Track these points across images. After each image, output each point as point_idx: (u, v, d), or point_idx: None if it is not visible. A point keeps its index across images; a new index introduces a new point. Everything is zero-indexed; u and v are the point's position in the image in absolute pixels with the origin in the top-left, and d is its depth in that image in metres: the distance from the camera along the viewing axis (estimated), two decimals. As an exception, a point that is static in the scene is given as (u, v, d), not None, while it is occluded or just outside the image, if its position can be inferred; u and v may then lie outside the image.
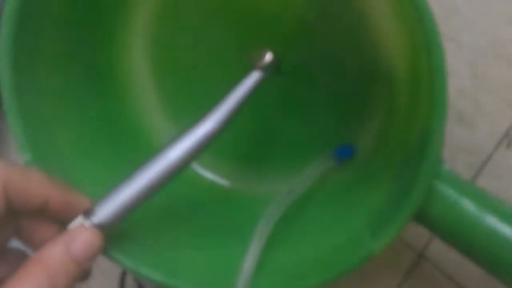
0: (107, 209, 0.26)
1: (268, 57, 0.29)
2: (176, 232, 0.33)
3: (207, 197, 0.37)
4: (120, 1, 0.35)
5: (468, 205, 0.26)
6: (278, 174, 0.36)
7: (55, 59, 0.33)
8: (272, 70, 0.30)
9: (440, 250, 0.35)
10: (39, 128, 0.31)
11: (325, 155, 0.33)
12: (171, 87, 0.38)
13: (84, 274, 0.26)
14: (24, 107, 0.30)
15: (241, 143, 0.37)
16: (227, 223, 0.35)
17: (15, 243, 0.27)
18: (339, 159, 0.33)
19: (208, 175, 0.38)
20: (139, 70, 0.37)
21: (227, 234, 0.34)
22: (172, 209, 0.34)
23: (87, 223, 0.26)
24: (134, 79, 0.37)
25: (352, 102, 0.34)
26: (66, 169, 0.32)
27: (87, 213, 0.26)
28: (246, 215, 0.34)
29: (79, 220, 0.26)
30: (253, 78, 0.29)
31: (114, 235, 0.28)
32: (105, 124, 0.36)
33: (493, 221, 0.25)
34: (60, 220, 0.26)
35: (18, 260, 0.26)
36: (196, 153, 0.28)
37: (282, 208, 0.31)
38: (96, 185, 0.32)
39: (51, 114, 0.32)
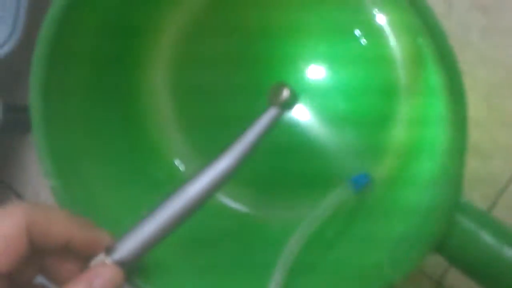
0: (128, 246, 0.27)
1: (286, 93, 0.29)
2: (197, 260, 0.34)
3: (227, 225, 0.38)
4: (144, 35, 0.36)
5: (488, 237, 0.26)
6: (297, 202, 0.37)
7: (81, 90, 0.34)
8: (290, 106, 0.30)
9: (458, 279, 0.36)
10: (65, 154, 0.32)
11: (342, 185, 0.33)
12: (192, 116, 0.39)
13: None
14: (52, 135, 0.32)
15: (261, 172, 0.37)
16: (247, 251, 0.35)
17: (40, 279, 0.28)
18: (355, 188, 0.33)
19: (228, 202, 0.38)
20: (161, 101, 0.38)
21: (247, 262, 0.34)
22: (193, 237, 0.34)
23: (108, 260, 0.26)
24: (156, 106, 0.38)
25: (369, 135, 0.35)
26: (89, 196, 0.33)
27: (109, 250, 0.27)
28: (267, 243, 0.35)
29: (101, 257, 0.27)
30: (270, 114, 0.29)
31: (137, 265, 0.28)
32: (127, 153, 0.37)
33: (511, 253, 0.26)
34: (83, 256, 0.27)
35: (43, 296, 0.27)
36: (215, 189, 0.28)
37: (303, 239, 0.31)
38: (118, 211, 0.33)
39: (77, 142, 0.34)
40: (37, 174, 0.37)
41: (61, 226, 0.26)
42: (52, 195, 0.32)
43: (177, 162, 0.39)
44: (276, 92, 0.29)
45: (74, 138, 0.33)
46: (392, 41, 0.33)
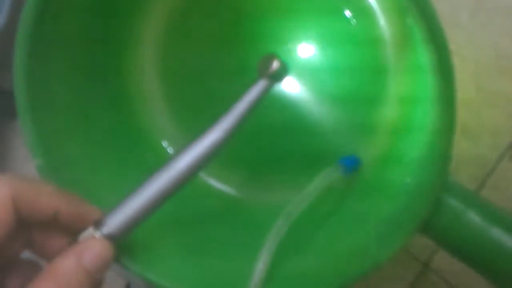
0: (117, 220, 0.27)
1: (276, 64, 0.29)
2: (183, 240, 0.33)
3: (214, 206, 0.38)
4: (131, 15, 0.36)
5: (475, 217, 0.27)
6: (284, 184, 0.37)
7: (67, 71, 0.33)
8: (280, 78, 0.30)
9: (445, 261, 0.36)
10: (51, 136, 0.32)
11: (332, 166, 0.34)
12: (180, 97, 0.38)
13: (95, 284, 0.26)
14: (37, 116, 0.31)
15: (248, 153, 0.37)
16: (234, 233, 0.35)
17: (27, 254, 0.27)
18: (345, 170, 0.34)
19: (215, 184, 0.38)
20: (149, 81, 0.38)
21: (234, 243, 0.34)
22: (179, 217, 0.34)
23: (97, 234, 0.26)
24: (143, 87, 0.38)
25: (359, 114, 0.35)
26: (76, 176, 0.33)
27: (98, 224, 0.27)
28: (254, 224, 0.35)
29: (89, 231, 0.26)
30: (260, 86, 0.29)
31: (124, 243, 0.28)
32: (114, 133, 0.36)
33: (499, 233, 0.26)
34: (71, 231, 0.27)
35: (31, 271, 0.27)
36: (204, 162, 0.28)
37: (291, 219, 0.31)
38: (105, 192, 0.33)
39: (63, 122, 0.33)
40: (23, 160, 0.37)
41: (48, 198, 0.26)
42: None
43: (164, 143, 0.39)
44: (265, 63, 0.29)
45: (61, 119, 0.33)
46: (382, 21, 0.33)
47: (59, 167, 0.32)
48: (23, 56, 0.30)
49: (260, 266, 0.30)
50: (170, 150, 0.39)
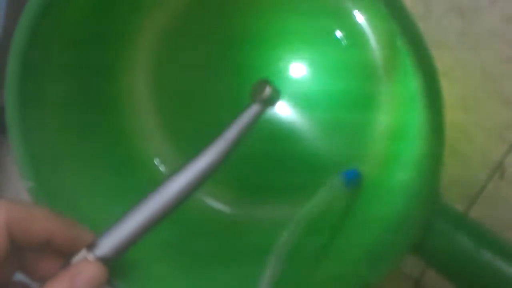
0: (110, 242, 0.27)
1: (268, 90, 0.30)
2: (177, 259, 0.34)
3: (208, 224, 0.38)
4: (125, 31, 0.37)
5: (465, 240, 0.27)
6: (279, 202, 0.37)
7: (60, 92, 0.34)
8: (272, 103, 0.31)
9: (436, 279, 0.36)
10: (43, 157, 0.33)
11: (332, 181, 0.33)
12: (174, 118, 0.39)
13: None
14: (28, 136, 0.32)
15: (241, 171, 0.37)
16: (229, 250, 0.35)
17: (19, 276, 0.28)
18: (346, 184, 0.33)
19: (209, 202, 0.39)
20: (142, 98, 0.39)
21: (229, 261, 0.34)
22: (173, 236, 0.34)
23: (90, 256, 0.27)
24: (136, 106, 0.39)
25: (354, 130, 0.35)
26: (68, 197, 0.33)
27: (91, 246, 0.27)
28: (248, 242, 0.36)
29: (82, 254, 0.27)
30: (252, 111, 0.29)
31: (117, 263, 0.28)
32: (107, 153, 0.37)
33: (489, 256, 0.26)
34: (64, 254, 0.27)
35: (23, 293, 0.27)
36: (197, 185, 0.29)
37: (294, 236, 0.31)
38: (97, 212, 0.33)
39: (54, 144, 0.34)
40: (16, 175, 0.37)
41: (42, 223, 0.26)
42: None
43: (157, 161, 0.39)
44: (258, 88, 0.30)
45: (52, 140, 0.34)
46: (373, 43, 0.34)
47: (50, 189, 0.32)
48: (16, 74, 0.31)
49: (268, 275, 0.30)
50: (162, 168, 0.39)
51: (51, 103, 0.34)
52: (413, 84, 0.26)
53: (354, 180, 0.33)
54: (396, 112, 0.33)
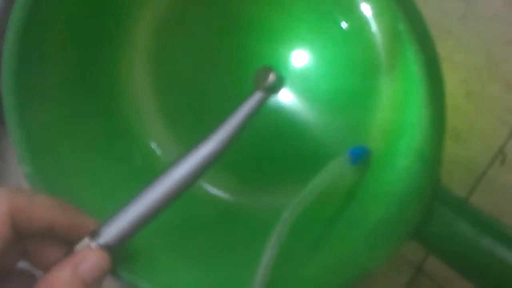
0: (113, 230, 0.28)
1: (271, 77, 0.30)
2: (179, 247, 0.35)
3: (210, 212, 0.39)
4: (121, 18, 0.37)
5: (465, 226, 0.28)
6: (280, 188, 0.38)
7: (58, 77, 0.35)
8: (276, 90, 0.31)
9: (438, 265, 0.37)
10: (41, 142, 0.33)
11: (339, 158, 0.33)
12: (173, 103, 0.40)
13: (92, 295, 0.27)
14: (26, 123, 0.32)
15: (243, 159, 0.38)
16: (230, 238, 0.36)
17: (22, 265, 0.29)
18: (354, 161, 0.33)
19: (211, 189, 0.39)
20: (141, 86, 0.39)
21: (231, 248, 0.35)
22: (175, 224, 0.35)
23: (93, 244, 0.28)
24: (136, 95, 0.39)
25: (351, 119, 0.36)
26: (66, 182, 0.34)
27: (94, 234, 0.28)
28: (250, 229, 0.36)
29: (85, 242, 0.28)
30: (255, 98, 0.30)
31: (120, 252, 0.29)
32: (107, 140, 0.38)
33: (489, 242, 0.27)
34: (67, 241, 0.28)
35: (26, 281, 0.28)
36: (199, 173, 0.29)
37: (298, 211, 0.31)
38: (96, 198, 0.34)
39: (53, 129, 0.34)
40: (17, 164, 0.38)
41: (45, 211, 0.27)
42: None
43: (153, 145, 0.40)
44: (261, 76, 0.30)
45: (49, 123, 0.34)
46: (374, 26, 0.34)
47: (48, 173, 0.33)
48: (13, 59, 0.31)
49: (265, 265, 0.30)
50: (159, 152, 0.40)
51: (49, 90, 0.34)
52: (415, 71, 0.27)
53: (362, 156, 0.33)
54: (398, 104, 0.33)
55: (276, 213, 0.32)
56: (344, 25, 0.35)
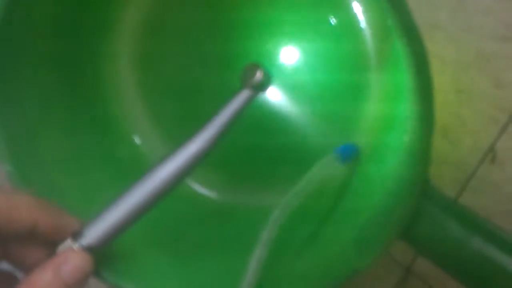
0: (96, 231, 0.28)
1: (259, 75, 0.30)
2: (165, 247, 0.34)
3: (197, 211, 0.38)
4: (106, 13, 0.37)
5: (454, 225, 0.28)
6: (268, 187, 0.38)
7: (39, 72, 0.34)
8: (263, 88, 0.31)
9: (427, 266, 0.37)
10: (22, 139, 0.33)
11: (328, 156, 0.33)
12: (160, 101, 0.40)
13: (75, 297, 0.27)
14: (7, 118, 0.32)
15: (231, 157, 0.38)
16: (218, 237, 0.36)
17: (4, 266, 0.28)
18: (343, 159, 0.33)
19: (198, 188, 0.39)
20: (127, 83, 0.39)
21: (218, 248, 0.35)
22: (160, 224, 0.35)
23: (76, 246, 0.27)
24: (122, 92, 0.39)
25: (344, 118, 0.36)
26: (47, 180, 0.33)
27: (76, 235, 0.27)
28: (237, 228, 0.36)
29: (68, 243, 0.27)
30: (243, 96, 0.30)
31: (104, 253, 0.29)
32: (90, 136, 0.37)
33: (478, 242, 0.27)
34: (50, 242, 0.28)
35: (8, 283, 0.27)
36: (186, 172, 0.29)
37: (289, 210, 0.32)
38: (79, 196, 0.34)
39: (35, 125, 0.34)
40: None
41: (26, 212, 0.27)
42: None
43: (140, 143, 0.39)
44: (249, 73, 0.30)
45: (30, 118, 0.34)
46: (364, 24, 0.34)
47: (29, 170, 0.32)
48: None
49: (253, 266, 0.30)
50: (144, 149, 0.39)
51: (30, 88, 0.34)
52: (403, 66, 0.27)
53: (351, 154, 0.33)
54: (386, 99, 0.33)
55: (264, 212, 0.32)
56: (333, 20, 0.35)
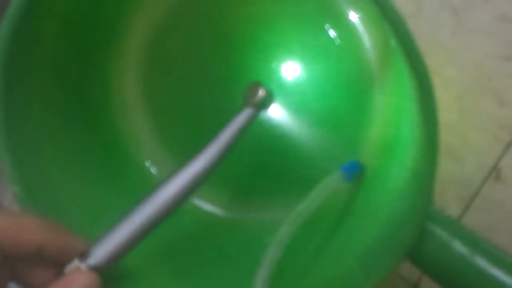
0: (103, 251, 0.28)
1: (261, 93, 0.31)
2: (171, 264, 0.35)
3: (203, 228, 0.39)
4: (111, 34, 0.38)
5: (459, 247, 0.28)
6: (272, 204, 0.38)
7: (47, 92, 0.35)
8: (265, 106, 0.32)
9: (434, 283, 0.38)
10: (30, 161, 0.33)
11: (333, 174, 0.33)
12: (166, 120, 0.40)
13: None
14: (15, 141, 0.32)
15: (235, 174, 0.39)
16: (223, 254, 0.36)
17: (12, 286, 0.29)
18: (348, 177, 0.33)
19: (203, 205, 0.40)
20: (133, 100, 0.40)
21: (224, 264, 0.35)
22: (166, 241, 0.35)
23: (83, 266, 0.28)
24: (128, 109, 0.40)
25: (344, 136, 0.36)
26: (56, 202, 0.34)
27: (83, 255, 0.28)
28: (243, 245, 0.37)
29: (75, 263, 0.28)
30: (245, 115, 0.31)
31: (111, 272, 0.29)
32: (99, 158, 0.38)
33: (482, 262, 0.27)
34: (57, 263, 0.28)
35: (16, 303, 0.28)
36: (190, 191, 0.30)
37: (294, 227, 0.31)
38: (86, 216, 0.34)
39: (42, 146, 0.34)
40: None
41: (33, 233, 0.27)
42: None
43: (148, 163, 0.40)
44: (251, 92, 0.31)
45: (39, 142, 0.34)
46: (367, 42, 0.35)
47: (37, 193, 0.33)
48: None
49: (260, 278, 0.30)
50: (153, 170, 0.40)
51: (37, 104, 0.34)
52: (406, 86, 0.27)
53: (356, 172, 0.34)
54: (390, 116, 0.34)
55: (268, 229, 0.32)
56: (336, 40, 0.35)
